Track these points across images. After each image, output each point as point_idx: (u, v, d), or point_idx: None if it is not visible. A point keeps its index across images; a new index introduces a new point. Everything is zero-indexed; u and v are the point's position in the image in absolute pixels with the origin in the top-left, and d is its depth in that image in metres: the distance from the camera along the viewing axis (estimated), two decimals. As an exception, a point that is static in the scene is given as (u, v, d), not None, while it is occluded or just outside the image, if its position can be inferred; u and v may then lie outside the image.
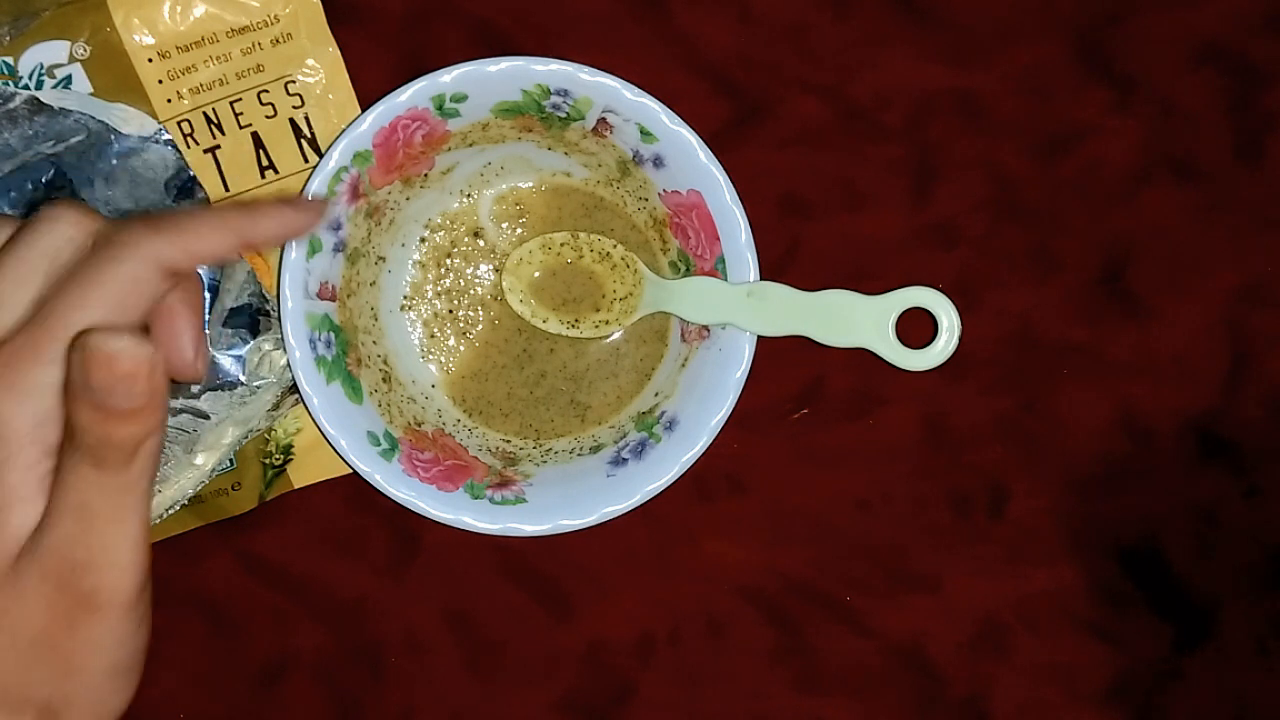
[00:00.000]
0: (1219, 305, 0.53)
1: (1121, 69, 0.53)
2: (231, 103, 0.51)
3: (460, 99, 0.48)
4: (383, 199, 0.50)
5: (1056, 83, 0.53)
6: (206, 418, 0.51)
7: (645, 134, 0.48)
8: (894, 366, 0.48)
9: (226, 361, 0.51)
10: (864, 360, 0.49)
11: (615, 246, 0.52)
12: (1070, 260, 0.53)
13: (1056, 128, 0.53)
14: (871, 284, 0.51)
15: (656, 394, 0.52)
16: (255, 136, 0.51)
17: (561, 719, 0.53)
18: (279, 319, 0.49)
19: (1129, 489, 0.53)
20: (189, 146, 0.51)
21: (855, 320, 0.49)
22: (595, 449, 0.51)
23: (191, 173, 0.51)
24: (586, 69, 0.48)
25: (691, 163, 0.48)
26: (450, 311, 0.53)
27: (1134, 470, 0.53)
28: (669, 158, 0.49)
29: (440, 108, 0.48)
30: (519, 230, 0.53)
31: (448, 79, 0.48)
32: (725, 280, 0.49)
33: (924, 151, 0.53)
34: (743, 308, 0.49)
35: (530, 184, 0.53)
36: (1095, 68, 0.53)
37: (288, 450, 0.53)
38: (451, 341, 0.53)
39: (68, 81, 0.50)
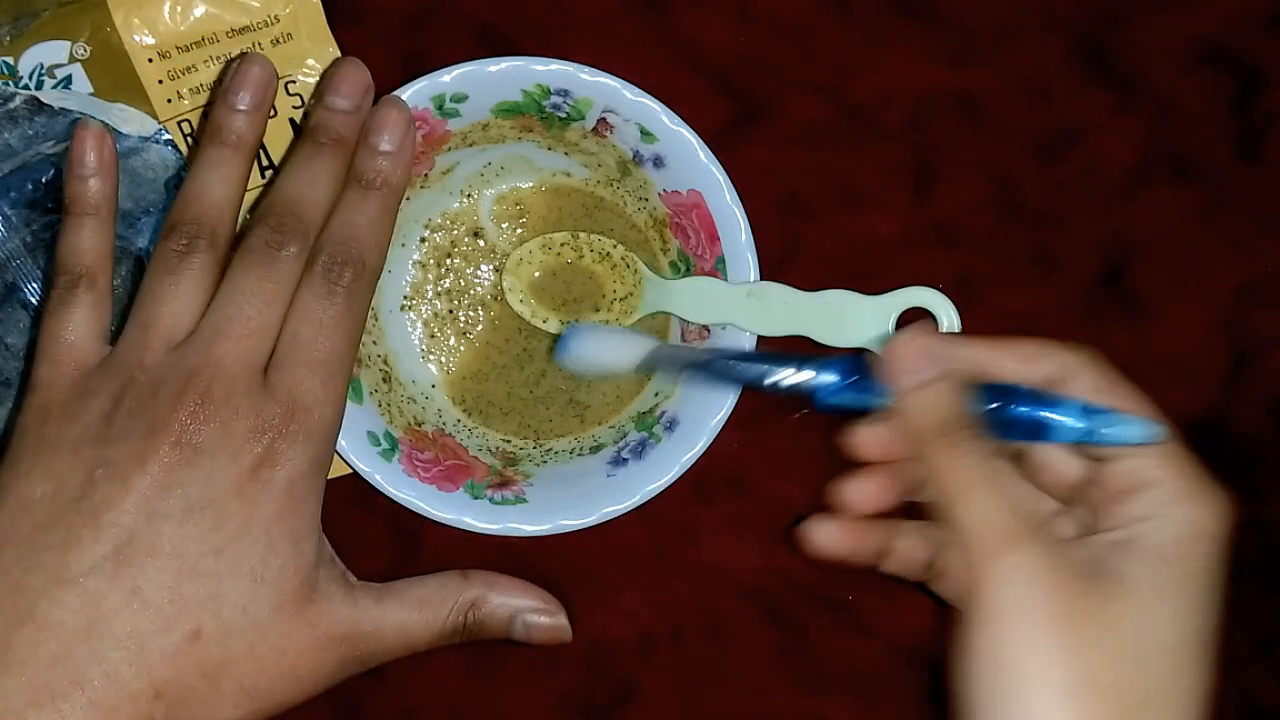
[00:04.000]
0: (1219, 305, 0.53)
1: (1121, 69, 0.53)
2: (232, 103, 0.51)
3: (460, 99, 0.48)
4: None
5: (1056, 83, 0.53)
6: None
7: (645, 134, 0.48)
8: None
9: (227, 361, 0.51)
10: (864, 360, 0.49)
11: (615, 246, 0.52)
12: (1070, 260, 0.53)
13: (1056, 128, 0.53)
14: (871, 284, 0.51)
15: (656, 394, 0.52)
16: (255, 137, 0.51)
17: (562, 719, 0.53)
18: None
19: (1129, 489, 0.53)
20: (189, 146, 0.51)
21: (855, 321, 0.49)
22: (595, 449, 0.51)
23: (192, 173, 0.51)
24: (586, 69, 0.48)
25: (691, 163, 0.48)
26: (450, 311, 0.53)
27: (1134, 470, 0.53)
28: (669, 158, 0.49)
29: (440, 108, 0.48)
30: (519, 230, 0.53)
31: (447, 79, 0.48)
32: (725, 280, 0.49)
33: (924, 151, 0.53)
34: (742, 308, 0.49)
35: (530, 184, 0.53)
36: (1095, 68, 0.53)
37: (288, 450, 0.53)
38: (452, 341, 0.53)
39: (68, 81, 0.50)
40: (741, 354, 0.47)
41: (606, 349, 0.46)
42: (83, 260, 0.44)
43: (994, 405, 0.40)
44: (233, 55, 0.50)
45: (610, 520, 0.49)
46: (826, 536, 0.43)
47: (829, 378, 0.41)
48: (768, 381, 0.42)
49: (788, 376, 0.42)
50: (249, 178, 0.46)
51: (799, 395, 0.42)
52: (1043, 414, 0.40)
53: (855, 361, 0.41)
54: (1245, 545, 0.54)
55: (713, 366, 0.44)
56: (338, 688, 0.53)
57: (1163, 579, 0.37)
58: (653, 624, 0.54)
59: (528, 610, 0.47)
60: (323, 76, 0.46)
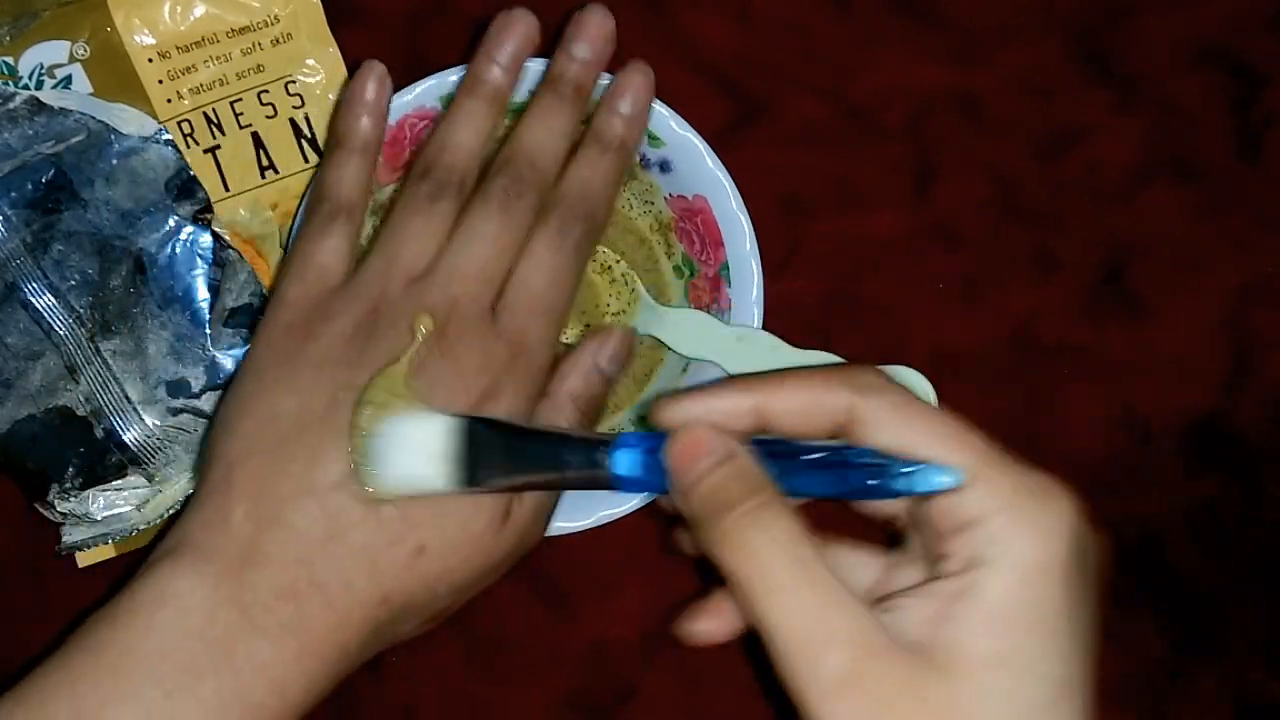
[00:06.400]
0: (1219, 305, 0.53)
1: (1121, 69, 0.53)
2: (232, 103, 0.51)
3: (467, 100, 0.48)
4: (388, 197, 0.50)
5: (1056, 83, 0.53)
6: (208, 417, 0.51)
7: (652, 138, 0.48)
8: None
9: (227, 362, 0.51)
10: (865, 361, 0.49)
11: (618, 261, 0.51)
12: (1070, 260, 0.53)
13: (1056, 128, 0.53)
14: (872, 283, 0.51)
15: (657, 396, 0.51)
16: (255, 136, 0.51)
17: (563, 718, 0.53)
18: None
19: (1129, 489, 0.53)
20: (189, 146, 0.51)
21: None
22: (596, 451, 0.51)
23: (192, 173, 0.51)
24: (592, 72, 0.48)
25: (698, 168, 0.48)
26: (453, 311, 0.53)
27: (1134, 470, 0.53)
28: (676, 162, 0.49)
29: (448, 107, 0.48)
30: (524, 230, 0.53)
31: (455, 79, 0.48)
32: (721, 319, 0.49)
33: (924, 151, 0.53)
34: (730, 350, 0.48)
35: (538, 183, 0.53)
36: (1095, 68, 0.53)
37: (289, 450, 0.53)
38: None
39: (68, 81, 0.50)
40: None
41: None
42: (345, 192, 0.46)
43: (779, 471, 0.37)
44: (231, 55, 0.50)
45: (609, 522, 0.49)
46: (705, 630, 0.42)
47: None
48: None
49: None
50: (500, 127, 0.47)
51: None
52: (832, 473, 0.37)
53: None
54: (1245, 545, 0.54)
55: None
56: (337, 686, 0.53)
57: (1002, 644, 0.34)
58: (653, 624, 0.54)
59: None
60: (569, 23, 0.47)
